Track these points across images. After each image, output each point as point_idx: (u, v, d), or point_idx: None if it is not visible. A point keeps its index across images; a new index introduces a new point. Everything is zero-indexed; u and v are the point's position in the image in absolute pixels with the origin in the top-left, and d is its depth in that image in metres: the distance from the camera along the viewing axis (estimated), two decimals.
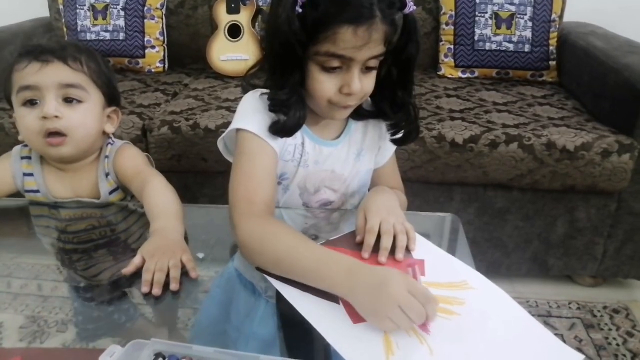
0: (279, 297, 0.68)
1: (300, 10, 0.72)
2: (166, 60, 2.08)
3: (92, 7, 2.00)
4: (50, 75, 0.91)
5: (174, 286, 0.71)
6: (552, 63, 1.89)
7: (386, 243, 0.74)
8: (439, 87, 1.85)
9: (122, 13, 1.99)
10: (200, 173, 1.58)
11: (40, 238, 0.96)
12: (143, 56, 2.03)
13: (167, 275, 0.72)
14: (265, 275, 0.71)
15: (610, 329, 1.48)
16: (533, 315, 0.66)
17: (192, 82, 1.93)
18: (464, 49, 1.93)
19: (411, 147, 1.45)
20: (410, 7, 0.75)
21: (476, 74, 1.96)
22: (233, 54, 1.95)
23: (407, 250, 0.76)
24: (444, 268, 0.75)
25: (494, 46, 1.89)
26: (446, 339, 0.61)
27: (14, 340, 0.68)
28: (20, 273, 0.83)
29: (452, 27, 1.93)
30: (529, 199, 1.53)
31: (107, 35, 2.00)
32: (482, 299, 0.69)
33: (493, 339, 0.62)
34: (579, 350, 0.63)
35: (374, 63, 0.78)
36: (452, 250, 0.82)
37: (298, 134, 0.87)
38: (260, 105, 0.85)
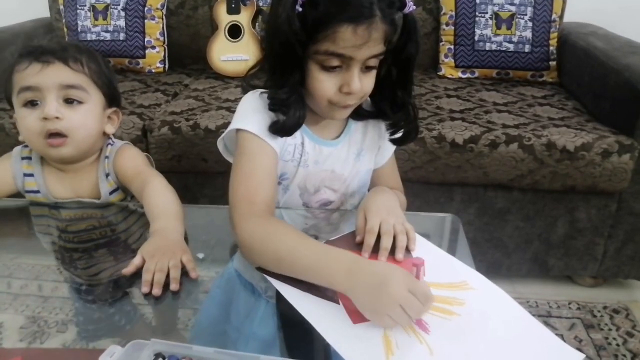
0: (279, 297, 0.68)
1: (300, 9, 0.72)
2: (166, 61, 2.08)
3: (93, 8, 2.00)
4: (51, 76, 0.91)
5: (174, 286, 0.71)
6: (553, 63, 1.89)
7: (386, 243, 0.74)
8: (439, 87, 1.85)
9: (122, 13, 1.99)
10: (200, 173, 1.58)
11: (40, 238, 0.96)
12: (143, 56, 2.03)
13: (168, 275, 0.72)
14: (265, 276, 0.71)
15: (610, 329, 1.48)
16: (533, 315, 0.66)
17: (193, 83, 1.93)
18: (464, 50, 1.93)
19: (411, 148, 1.45)
20: (410, 7, 0.75)
21: (476, 75, 1.96)
22: (233, 54, 1.95)
23: (407, 250, 0.76)
24: (444, 268, 0.75)
25: (494, 46, 1.89)
26: (446, 339, 0.61)
27: (14, 340, 0.68)
28: (20, 273, 0.83)
29: (453, 28, 1.93)
30: (529, 199, 1.53)
31: (108, 36, 2.00)
32: (482, 300, 0.69)
33: (493, 339, 0.62)
34: (579, 350, 0.63)
35: (373, 62, 0.78)
36: (452, 250, 0.82)
37: (298, 134, 0.87)
38: (260, 104, 0.85)
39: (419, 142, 1.45)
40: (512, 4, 1.87)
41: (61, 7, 2.05)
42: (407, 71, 0.83)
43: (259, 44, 0.86)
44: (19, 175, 1.01)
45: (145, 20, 2.01)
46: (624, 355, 1.38)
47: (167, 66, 2.09)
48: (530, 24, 1.86)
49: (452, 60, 1.95)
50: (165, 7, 2.04)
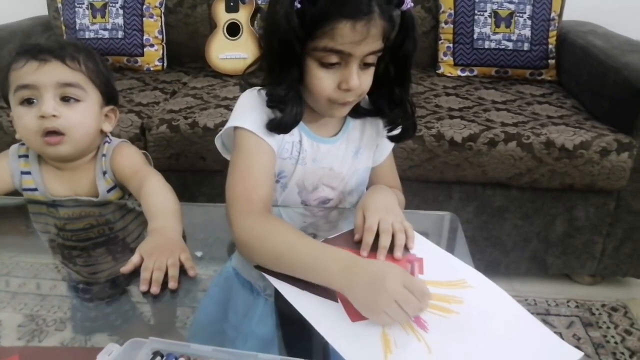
0: (277, 295, 0.68)
1: (298, 6, 0.72)
2: (165, 59, 2.08)
3: (91, 6, 1.99)
4: (48, 75, 0.91)
5: (172, 285, 0.71)
6: (551, 62, 1.89)
7: (385, 242, 0.74)
8: (438, 85, 1.85)
9: (120, 11, 1.99)
10: (199, 172, 1.58)
11: (38, 237, 0.96)
12: (142, 55, 2.02)
13: (166, 274, 0.72)
14: (263, 274, 0.71)
15: (608, 327, 1.48)
16: (532, 313, 0.66)
17: (191, 81, 1.93)
18: (463, 48, 1.93)
19: (410, 146, 1.45)
20: (408, 4, 0.75)
21: (475, 73, 1.96)
22: (232, 52, 1.95)
23: (406, 249, 0.76)
24: (443, 267, 0.75)
25: (493, 45, 1.89)
26: (445, 337, 0.61)
27: (12, 338, 0.68)
28: (18, 272, 0.83)
29: (452, 26, 1.93)
30: (527, 197, 1.53)
31: (106, 34, 2.00)
32: (481, 298, 0.69)
33: (492, 337, 0.62)
34: (578, 348, 0.63)
35: (372, 59, 0.78)
36: (450, 249, 0.82)
37: (296, 132, 0.87)
38: (258, 101, 0.85)
39: (417, 141, 1.44)
40: (511, 2, 1.87)
41: (59, 5, 2.04)
42: (405, 68, 0.83)
43: (258, 42, 0.86)
44: (16, 174, 1.01)
45: (144, 19, 2.00)
46: (622, 353, 1.39)
47: (165, 64, 2.08)
48: (529, 22, 1.86)
49: (451, 59, 1.95)
50: (163, 5, 2.04)
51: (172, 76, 1.99)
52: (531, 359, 0.61)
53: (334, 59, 0.76)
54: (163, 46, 2.07)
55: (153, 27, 2.02)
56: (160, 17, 2.03)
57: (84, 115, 0.95)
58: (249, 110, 0.84)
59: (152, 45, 2.03)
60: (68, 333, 0.69)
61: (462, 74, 1.96)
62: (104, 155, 1.01)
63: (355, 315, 0.63)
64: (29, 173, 1.01)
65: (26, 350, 0.66)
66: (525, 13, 1.86)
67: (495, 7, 1.88)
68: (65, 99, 0.93)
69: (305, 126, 0.89)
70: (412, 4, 0.76)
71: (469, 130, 1.45)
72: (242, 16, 1.94)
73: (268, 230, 0.73)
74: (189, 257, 0.75)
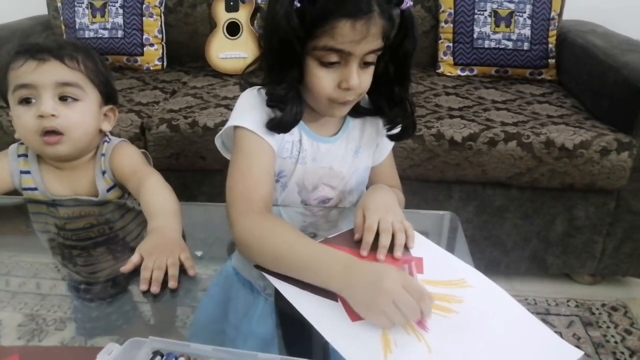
0: (277, 295, 0.68)
1: (298, 5, 0.72)
2: (165, 58, 2.08)
3: (91, 5, 1.99)
4: (46, 74, 0.91)
5: (172, 284, 0.70)
6: (551, 61, 1.89)
7: (385, 241, 0.74)
8: (438, 85, 1.84)
9: (120, 11, 1.99)
10: (198, 171, 1.58)
11: (38, 236, 0.96)
12: (142, 54, 2.02)
13: (166, 273, 0.72)
14: (263, 274, 0.71)
15: (608, 327, 1.48)
16: (532, 313, 0.66)
17: (191, 80, 1.93)
18: (463, 47, 1.93)
19: (410, 146, 1.45)
20: (407, 3, 0.75)
21: (475, 72, 1.96)
22: (232, 52, 1.95)
23: (406, 248, 0.76)
24: (443, 266, 0.75)
25: (493, 44, 1.89)
26: (445, 337, 0.61)
27: (12, 338, 0.68)
28: (18, 271, 0.83)
29: (451, 25, 1.93)
30: (527, 197, 1.53)
31: (106, 33, 2.00)
32: (481, 297, 0.69)
33: (492, 336, 0.62)
34: (578, 348, 0.63)
35: (372, 58, 0.78)
36: (450, 248, 0.82)
37: (296, 131, 0.87)
38: (258, 101, 0.85)
39: (417, 140, 1.44)
40: (511, 1, 1.87)
41: (59, 4, 2.04)
42: (405, 67, 0.83)
43: (258, 41, 0.86)
44: (15, 173, 1.01)
45: (144, 18, 2.00)
46: (622, 353, 1.39)
47: (165, 64, 2.08)
48: (529, 21, 1.86)
49: (451, 58, 1.95)
50: (163, 4, 2.04)
51: (172, 76, 1.99)
52: (531, 358, 0.61)
53: (333, 58, 0.76)
54: (163, 45, 2.06)
55: (153, 26, 2.01)
56: (160, 16, 2.03)
57: (83, 115, 0.95)
58: (249, 110, 0.84)
59: (151, 45, 2.02)
60: (68, 332, 0.68)
61: (462, 74, 1.96)
62: (103, 154, 1.01)
63: (355, 315, 0.63)
64: (28, 172, 1.01)
65: (26, 350, 0.66)
66: (525, 12, 1.86)
67: (495, 6, 1.88)
68: (63, 99, 0.93)
69: (305, 126, 0.89)
70: (411, 3, 0.76)
71: (469, 129, 1.45)
72: (242, 15, 1.94)
73: (268, 230, 0.73)
74: (189, 257, 0.75)
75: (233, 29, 1.95)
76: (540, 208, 1.54)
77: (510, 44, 1.88)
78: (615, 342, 1.42)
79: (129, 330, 0.69)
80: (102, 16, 1.99)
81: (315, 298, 0.66)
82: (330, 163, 0.92)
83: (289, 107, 0.81)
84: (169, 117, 1.53)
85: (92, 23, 2.00)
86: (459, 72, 1.96)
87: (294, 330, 0.67)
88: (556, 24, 1.89)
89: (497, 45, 1.89)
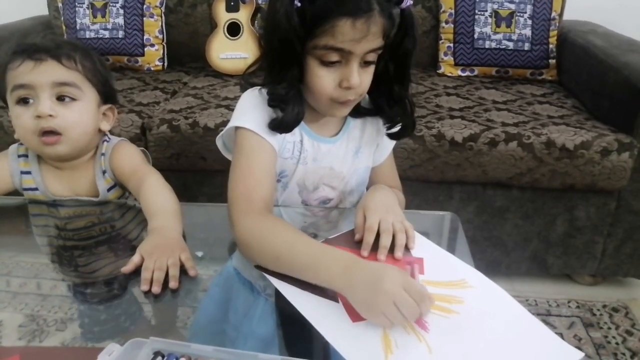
0: (278, 295, 0.68)
1: (299, 4, 0.72)
2: (165, 59, 2.08)
3: (91, 5, 1.99)
4: (44, 74, 0.91)
5: (173, 284, 0.70)
6: (552, 61, 1.89)
7: (385, 242, 0.74)
8: (438, 85, 1.84)
9: (121, 11, 1.99)
10: (199, 172, 1.58)
11: (39, 237, 0.96)
12: (142, 54, 2.02)
13: (167, 274, 0.72)
14: (264, 274, 0.71)
15: (609, 328, 1.48)
16: (532, 314, 0.66)
17: (192, 81, 1.93)
18: (463, 48, 1.92)
19: (411, 146, 1.45)
20: (407, 2, 0.75)
21: (476, 73, 1.95)
22: (232, 52, 1.95)
23: (407, 248, 0.76)
24: (444, 267, 0.75)
25: (493, 44, 1.89)
26: (445, 337, 0.61)
27: (13, 339, 0.68)
28: (19, 272, 0.83)
29: (452, 26, 1.93)
30: (528, 197, 1.52)
31: (107, 34, 2.00)
32: (482, 298, 0.68)
33: (492, 337, 0.62)
34: (578, 349, 0.63)
35: (372, 57, 0.78)
36: (451, 249, 0.82)
37: (297, 131, 0.87)
38: (259, 101, 0.85)
39: (418, 141, 1.44)
40: (511, 2, 1.86)
41: (60, 4, 2.04)
42: (405, 67, 0.83)
43: (258, 41, 0.86)
44: (16, 173, 1.01)
45: (144, 18, 2.00)
46: (623, 354, 1.38)
47: (166, 64, 2.08)
48: (529, 22, 1.86)
49: (452, 59, 1.95)
50: (164, 5, 2.04)
51: (172, 76, 1.99)
52: (532, 359, 0.61)
53: (334, 57, 0.76)
54: (163, 46, 2.06)
55: (153, 26, 2.02)
56: (161, 16, 2.03)
57: (81, 115, 0.95)
58: (250, 110, 0.84)
59: (152, 45, 2.03)
60: (69, 333, 0.69)
61: (463, 74, 1.96)
62: (103, 154, 1.01)
63: (355, 315, 0.63)
64: (29, 173, 1.01)
65: (27, 351, 0.66)
66: (525, 13, 1.86)
67: (495, 6, 1.88)
68: (61, 98, 0.93)
69: (306, 126, 0.89)
70: (411, 2, 0.76)
71: (470, 130, 1.45)
72: (243, 16, 1.94)
73: (268, 230, 0.73)
74: (190, 257, 0.75)
75: (233, 30, 1.95)
76: (541, 208, 1.53)
77: (510, 45, 1.88)
78: (617, 343, 1.42)
79: (130, 329, 0.69)
80: (103, 16, 1.99)
81: (316, 298, 0.66)
82: (331, 163, 0.92)
83: (290, 106, 0.81)
84: (170, 117, 1.53)
85: (93, 23, 2.00)
86: (459, 73, 1.96)
87: (295, 331, 0.67)
88: (557, 24, 1.89)
89: (498, 46, 1.89)
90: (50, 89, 0.91)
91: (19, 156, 1.02)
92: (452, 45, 1.94)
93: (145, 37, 2.01)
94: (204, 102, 1.65)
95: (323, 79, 0.78)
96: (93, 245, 0.87)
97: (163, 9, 2.04)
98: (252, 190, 0.79)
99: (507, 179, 1.48)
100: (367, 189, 0.98)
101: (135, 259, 0.74)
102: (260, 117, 0.83)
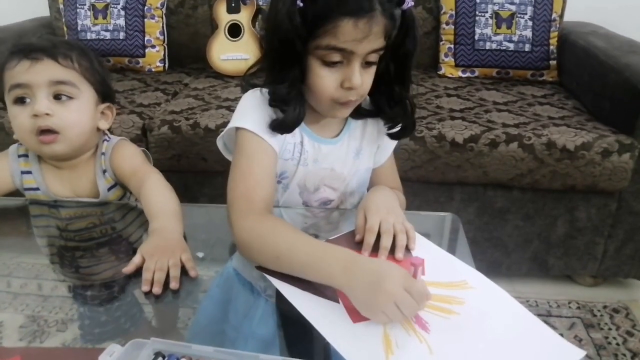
0: (278, 296, 0.68)
1: (300, 4, 0.72)
2: (166, 60, 2.08)
3: (93, 7, 2.00)
4: (40, 73, 0.91)
5: (174, 285, 0.71)
6: (553, 63, 1.89)
7: (386, 242, 0.74)
8: (439, 86, 1.85)
9: (122, 12, 1.99)
10: (200, 173, 1.58)
11: (40, 237, 0.96)
12: (143, 55, 2.03)
13: (167, 274, 0.72)
14: (264, 274, 0.71)
15: (610, 329, 1.48)
16: (533, 314, 0.66)
17: (193, 82, 1.93)
18: (464, 49, 1.93)
19: (411, 147, 1.45)
20: (408, 3, 0.75)
21: (476, 74, 1.95)
22: (233, 53, 1.95)
23: (407, 249, 0.76)
24: (444, 267, 0.75)
25: (494, 46, 1.89)
26: (446, 338, 0.61)
27: (14, 339, 0.68)
28: (20, 272, 0.83)
29: (453, 27, 1.93)
30: (529, 198, 1.52)
31: (108, 35, 2.00)
32: (482, 299, 0.68)
33: (493, 338, 0.62)
34: None
35: (374, 58, 0.78)
36: (452, 250, 0.81)
37: (297, 133, 0.87)
38: (260, 101, 0.85)
39: (419, 142, 1.45)
40: (512, 3, 1.87)
41: (61, 6, 2.04)
42: (405, 67, 0.83)
43: (259, 43, 0.86)
44: (16, 173, 1.01)
45: (145, 20, 2.00)
46: (624, 355, 1.38)
47: (166, 65, 2.09)
48: (530, 23, 1.86)
49: (452, 60, 1.95)
50: (165, 6, 2.04)
51: (173, 77, 2.00)
52: (534, 359, 0.60)
53: (336, 57, 0.76)
54: (164, 47, 2.07)
55: (154, 28, 2.02)
56: (162, 18, 2.04)
57: (78, 113, 0.95)
58: (251, 111, 0.84)
59: (153, 46, 2.03)
60: (70, 334, 0.68)
61: (463, 75, 1.96)
62: (103, 153, 1.01)
63: (356, 315, 0.63)
64: (29, 173, 1.01)
65: (28, 351, 0.66)
66: (526, 14, 1.86)
67: (496, 8, 1.88)
68: (58, 97, 0.93)
69: (306, 127, 0.89)
70: (412, 3, 0.76)
71: (470, 131, 1.45)
72: (244, 17, 1.94)
73: (269, 230, 0.73)
74: (190, 258, 0.75)
75: (234, 31, 1.95)
76: (542, 209, 1.53)
77: (511, 46, 1.88)
78: (617, 344, 1.42)
79: (130, 331, 0.69)
80: (104, 18, 2.00)
81: (316, 299, 0.66)
82: (332, 164, 0.92)
83: (291, 107, 0.81)
84: (171, 118, 1.54)
85: (94, 25, 2.00)
86: (460, 74, 1.96)
87: (295, 331, 0.67)
88: (557, 25, 1.89)
89: (498, 47, 1.89)
90: (46, 87, 0.91)
91: (19, 156, 1.02)
92: (452, 46, 1.94)
93: (146, 39, 2.01)
94: (205, 103, 1.65)
95: (325, 79, 0.78)
96: (94, 246, 0.87)
97: (164, 10, 2.04)
98: (252, 190, 0.79)
99: (508, 180, 1.48)
100: (368, 190, 0.98)
101: (136, 260, 0.74)
102: (261, 118, 0.83)
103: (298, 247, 0.70)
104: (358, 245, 0.76)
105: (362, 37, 0.73)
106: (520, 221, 1.56)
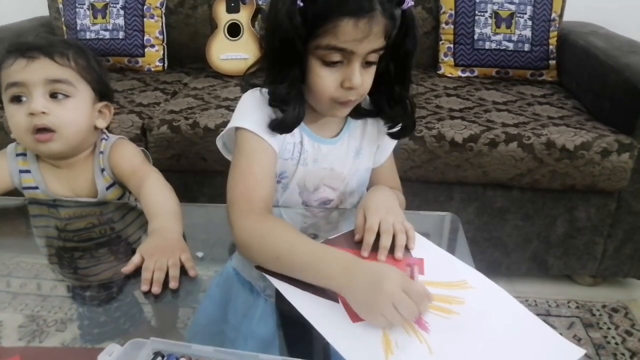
0: (278, 295, 0.68)
1: (301, 4, 0.72)
2: (166, 60, 2.08)
3: (92, 6, 1.99)
4: (36, 72, 0.90)
5: (173, 285, 0.71)
6: (552, 62, 1.89)
7: (385, 242, 0.74)
8: (438, 86, 1.85)
9: (121, 12, 1.99)
10: (199, 172, 1.58)
11: (39, 237, 0.96)
12: (143, 55, 2.02)
13: (167, 274, 0.72)
14: (264, 274, 0.71)
15: (609, 328, 1.48)
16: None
17: (192, 81, 1.93)
18: (463, 48, 1.93)
19: (411, 147, 1.45)
20: (409, 3, 0.75)
21: (476, 73, 1.96)
22: (233, 53, 1.95)
23: (407, 249, 0.76)
24: (444, 267, 0.75)
25: (493, 45, 1.89)
26: (445, 338, 0.61)
27: (13, 339, 0.68)
28: (19, 272, 0.83)
29: (452, 27, 1.93)
30: (528, 198, 1.53)
31: (107, 35, 2.00)
32: (482, 298, 0.68)
33: (493, 337, 0.62)
34: None
35: (374, 57, 0.78)
36: (451, 249, 0.81)
37: (297, 132, 0.87)
38: (260, 101, 0.85)
39: (418, 141, 1.44)
40: (511, 2, 1.87)
41: (60, 5, 2.04)
42: (405, 67, 0.83)
43: (259, 42, 0.86)
44: (15, 172, 1.00)
45: (145, 19, 2.00)
46: (623, 354, 1.38)
47: (166, 65, 2.08)
48: (529, 22, 1.86)
49: (452, 59, 1.95)
50: (164, 5, 2.04)
51: (172, 77, 1.99)
52: (534, 358, 0.60)
53: (336, 57, 0.76)
54: (164, 47, 2.07)
55: (154, 27, 2.02)
56: (161, 17, 2.03)
57: (75, 112, 0.94)
58: (250, 111, 0.84)
59: (152, 46, 2.03)
60: (69, 334, 0.68)
61: (463, 75, 1.96)
62: (101, 152, 1.00)
63: (356, 315, 0.63)
64: (28, 171, 1.00)
65: (27, 351, 0.66)
66: (525, 14, 1.86)
67: (495, 7, 1.88)
68: (54, 96, 0.92)
69: (306, 127, 0.89)
70: (412, 3, 0.76)
71: (470, 130, 1.45)
72: (243, 17, 1.94)
73: (268, 231, 0.73)
74: (190, 258, 0.75)
75: (234, 30, 1.95)
76: (541, 209, 1.53)
77: (510, 45, 1.88)
78: (616, 344, 1.42)
79: (130, 331, 0.69)
80: (103, 17, 1.99)
81: (316, 299, 0.66)
82: (332, 164, 0.92)
83: (291, 107, 0.81)
84: (170, 118, 1.53)
85: (94, 24, 2.00)
86: (459, 73, 1.96)
87: (295, 331, 0.67)
88: (557, 25, 1.89)
89: (498, 47, 1.89)
90: (43, 86, 0.91)
91: (17, 155, 1.01)
92: (452, 46, 1.94)
93: (145, 38, 2.01)
94: (204, 102, 1.65)
95: (325, 79, 0.78)
96: (93, 246, 0.87)
97: (163, 9, 2.04)
98: (252, 190, 0.79)
99: (508, 179, 1.48)
100: (368, 189, 0.98)
101: (135, 260, 0.74)
102: (261, 118, 0.83)
103: (298, 247, 0.70)
104: (357, 245, 0.76)
105: (362, 37, 0.73)
106: (520, 221, 1.56)
